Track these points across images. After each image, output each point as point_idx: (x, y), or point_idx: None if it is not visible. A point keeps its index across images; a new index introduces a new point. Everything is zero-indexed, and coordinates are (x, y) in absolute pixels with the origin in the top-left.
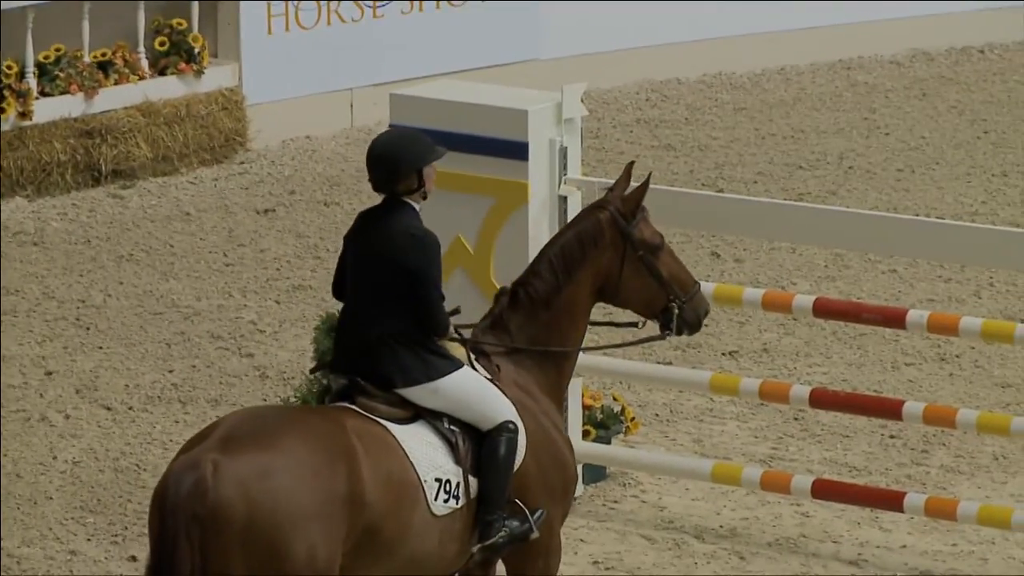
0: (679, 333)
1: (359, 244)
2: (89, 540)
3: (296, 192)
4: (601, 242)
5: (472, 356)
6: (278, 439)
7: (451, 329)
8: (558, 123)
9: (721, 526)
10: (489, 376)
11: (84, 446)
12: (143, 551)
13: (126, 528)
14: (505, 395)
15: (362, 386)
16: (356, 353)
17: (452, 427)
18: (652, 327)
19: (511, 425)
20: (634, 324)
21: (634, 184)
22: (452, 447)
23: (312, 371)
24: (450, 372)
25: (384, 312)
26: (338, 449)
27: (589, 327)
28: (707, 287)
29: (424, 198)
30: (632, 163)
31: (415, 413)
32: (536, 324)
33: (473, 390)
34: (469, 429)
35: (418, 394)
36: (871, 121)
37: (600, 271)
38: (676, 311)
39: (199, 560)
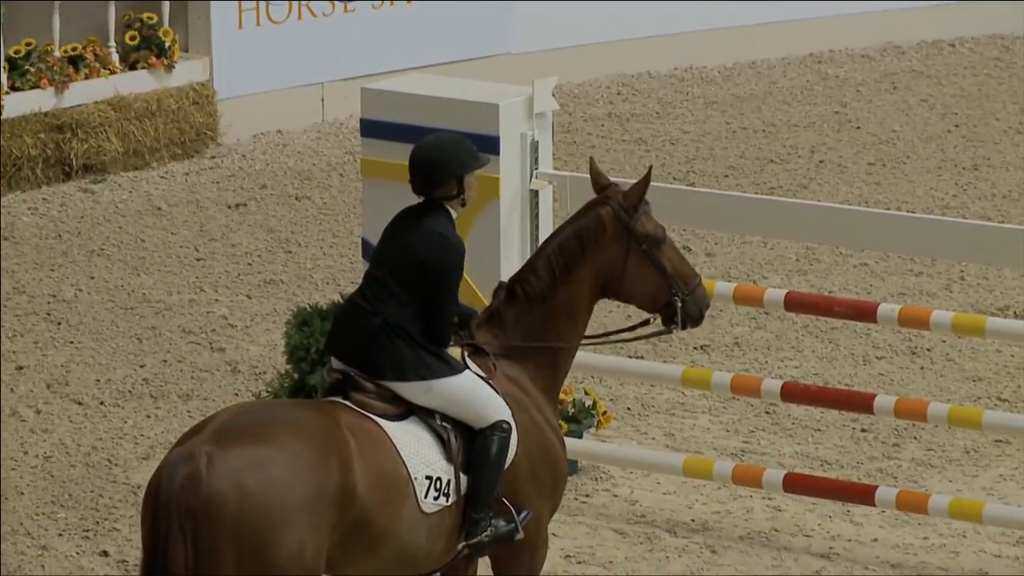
0: (683, 327)
1: (391, 234)
2: (60, 535)
3: (267, 186)
4: (603, 238)
5: (466, 353)
6: (272, 433)
7: (450, 342)
8: (529, 117)
9: (693, 520)
10: (484, 374)
11: (55, 441)
12: (114, 546)
13: (97, 523)
14: (499, 392)
15: (356, 381)
16: (354, 337)
17: (444, 424)
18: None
19: (505, 424)
20: (646, 322)
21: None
22: (444, 444)
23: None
24: (446, 375)
25: (393, 303)
26: (331, 444)
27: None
28: None
29: (463, 205)
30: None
31: (408, 409)
32: (532, 319)
33: (468, 390)
34: (462, 426)
35: (410, 390)
36: (842, 115)
37: (603, 267)
38: (679, 305)
39: (192, 552)
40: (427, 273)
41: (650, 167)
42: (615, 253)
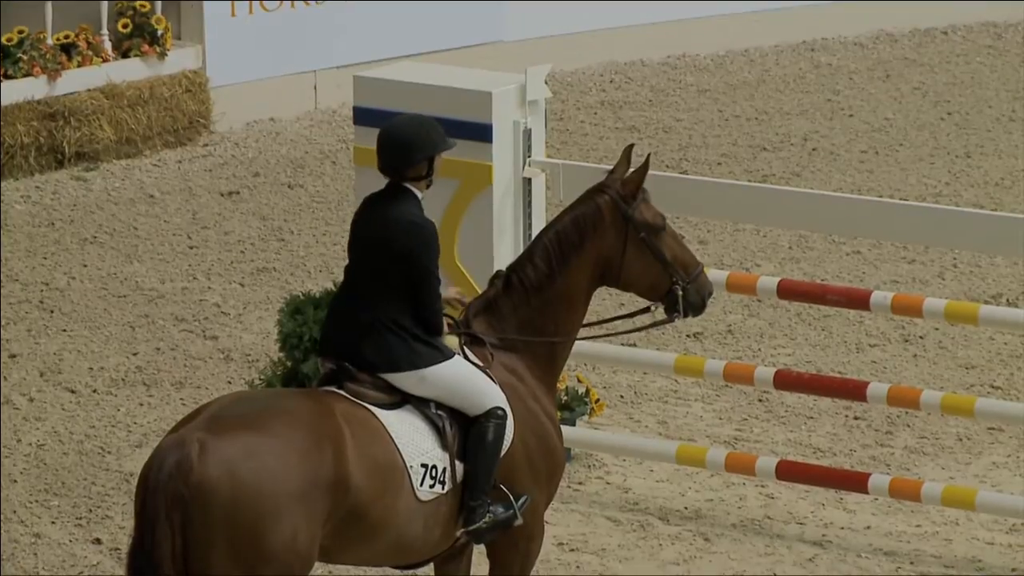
0: (686, 315)
1: (360, 227)
2: (53, 523)
3: (260, 174)
4: (601, 226)
5: (463, 342)
6: (266, 421)
7: (445, 329)
8: (522, 105)
9: (686, 507)
10: (481, 364)
11: (48, 429)
12: (107, 533)
13: (90, 511)
14: (496, 382)
15: (350, 371)
16: (344, 335)
17: (439, 412)
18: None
19: (500, 411)
20: (647, 310)
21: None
22: (439, 432)
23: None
24: (438, 362)
25: (377, 297)
26: (325, 433)
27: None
28: None
29: (428, 187)
30: (631, 145)
31: (403, 398)
32: (530, 309)
33: (461, 378)
34: (457, 414)
35: (404, 380)
36: (835, 103)
37: (601, 255)
38: (681, 293)
39: (179, 539)
40: (405, 263)
41: (648, 155)
42: (613, 241)
